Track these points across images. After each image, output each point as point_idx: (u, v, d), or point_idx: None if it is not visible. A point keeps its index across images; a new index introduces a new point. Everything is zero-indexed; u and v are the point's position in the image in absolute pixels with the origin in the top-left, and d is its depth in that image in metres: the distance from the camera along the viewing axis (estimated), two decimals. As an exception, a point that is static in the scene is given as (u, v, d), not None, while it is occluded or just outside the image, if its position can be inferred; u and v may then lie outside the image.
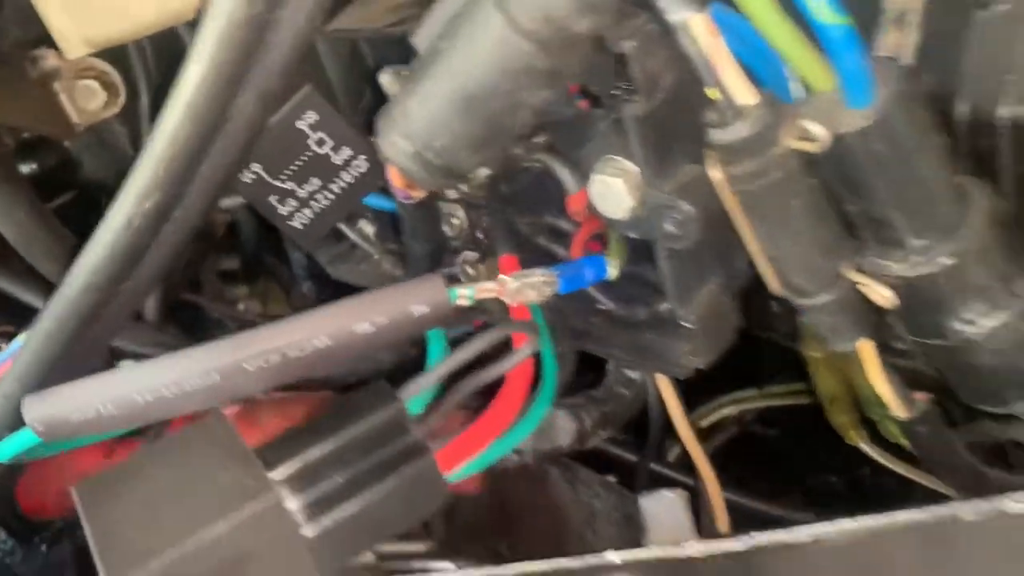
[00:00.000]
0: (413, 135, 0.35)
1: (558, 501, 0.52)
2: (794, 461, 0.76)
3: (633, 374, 0.55)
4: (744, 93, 0.35)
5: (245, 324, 0.73)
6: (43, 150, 0.67)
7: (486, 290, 0.38)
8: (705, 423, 0.70)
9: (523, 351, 0.37)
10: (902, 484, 0.60)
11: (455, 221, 0.51)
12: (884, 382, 0.42)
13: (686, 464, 0.62)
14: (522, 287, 0.39)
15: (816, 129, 0.33)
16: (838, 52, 0.32)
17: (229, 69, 0.34)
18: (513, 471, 0.50)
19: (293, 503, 0.32)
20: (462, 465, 0.35)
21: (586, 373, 0.56)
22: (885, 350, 0.42)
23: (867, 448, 0.52)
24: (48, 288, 0.62)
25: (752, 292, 0.46)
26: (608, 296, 0.47)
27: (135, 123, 0.65)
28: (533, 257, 0.49)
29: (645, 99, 0.36)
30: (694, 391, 0.66)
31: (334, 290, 0.75)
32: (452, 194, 0.51)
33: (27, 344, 0.43)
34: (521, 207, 0.50)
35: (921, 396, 0.45)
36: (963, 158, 0.41)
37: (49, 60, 0.59)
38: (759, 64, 0.36)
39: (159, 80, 0.65)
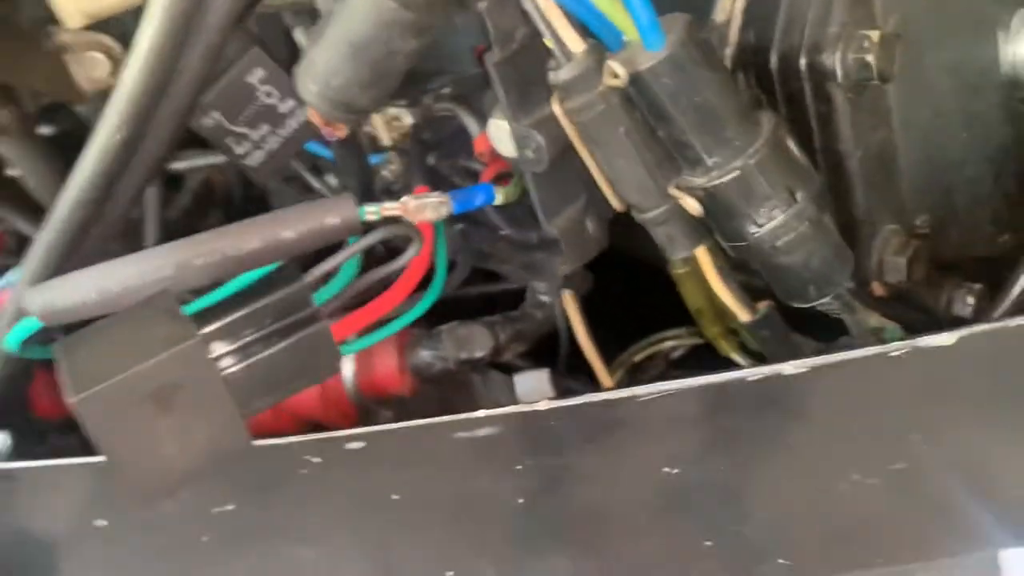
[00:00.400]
0: (317, 78, 0.45)
1: (476, 399, 0.62)
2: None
3: (544, 298, 0.65)
4: (572, 41, 0.44)
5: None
6: (60, 114, 0.79)
7: (390, 208, 0.48)
8: (638, 358, 0.79)
9: (410, 251, 0.47)
10: None
11: (392, 167, 0.62)
12: (722, 286, 0.51)
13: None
14: (421, 206, 0.48)
15: (618, 68, 0.43)
16: (632, 7, 0.41)
17: (175, 28, 0.45)
18: (440, 375, 0.60)
19: (216, 349, 0.42)
20: (353, 336, 0.45)
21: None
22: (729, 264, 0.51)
23: (737, 356, 0.61)
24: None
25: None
26: (507, 222, 0.57)
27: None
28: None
29: (499, 50, 0.46)
30: (636, 332, 0.75)
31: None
32: (387, 142, 0.61)
33: (28, 259, 0.54)
34: (442, 152, 0.60)
35: (763, 304, 0.54)
36: (778, 100, 0.50)
37: (61, 35, 0.70)
38: (593, 20, 0.45)
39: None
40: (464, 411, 0.63)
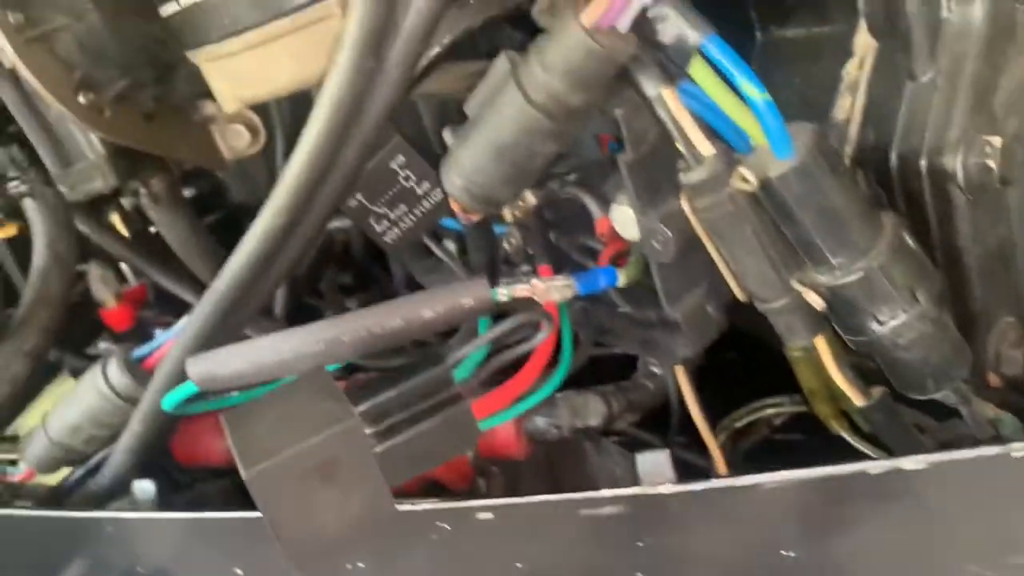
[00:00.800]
0: (463, 174, 0.49)
1: (589, 467, 0.64)
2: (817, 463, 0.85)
3: (656, 369, 0.67)
4: (702, 145, 0.47)
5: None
6: (199, 178, 0.85)
7: (520, 290, 0.51)
8: (740, 424, 0.81)
9: (542, 333, 0.50)
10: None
11: (513, 241, 0.65)
12: (838, 372, 0.53)
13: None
14: (548, 288, 0.52)
15: (748, 175, 0.45)
16: (762, 118, 0.44)
17: (337, 129, 0.49)
18: (554, 442, 0.63)
19: (369, 429, 0.46)
20: (491, 414, 0.48)
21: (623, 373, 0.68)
22: (845, 350, 0.53)
23: (847, 436, 0.62)
24: (201, 288, 0.79)
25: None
26: (627, 301, 0.60)
27: (271, 160, 0.82)
28: (570, 270, 0.62)
29: (632, 150, 0.49)
30: (737, 399, 0.77)
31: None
32: (510, 219, 0.65)
33: (188, 327, 0.59)
34: (562, 230, 0.63)
35: (877, 389, 0.55)
36: (897, 198, 0.52)
37: (208, 108, 0.76)
38: (722, 124, 0.48)
39: (291, 126, 0.82)
40: (575, 477, 0.66)
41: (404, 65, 0.49)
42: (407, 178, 0.60)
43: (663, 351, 0.57)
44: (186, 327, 0.59)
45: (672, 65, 0.47)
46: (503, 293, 0.50)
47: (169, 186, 0.74)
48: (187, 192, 0.84)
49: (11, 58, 0.60)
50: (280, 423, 0.45)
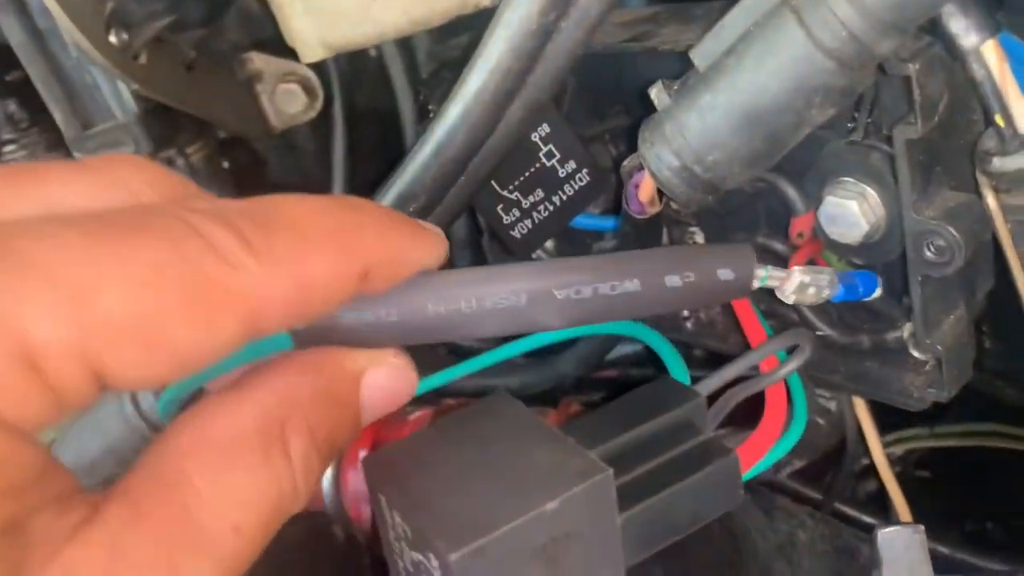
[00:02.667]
0: (684, 149, 0.35)
1: (743, 528, 0.51)
2: (951, 505, 0.74)
3: (830, 404, 0.54)
4: (1029, 120, 0.34)
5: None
6: (237, 149, 0.70)
7: (775, 276, 0.36)
8: (866, 461, 0.69)
9: (797, 359, 0.36)
10: None
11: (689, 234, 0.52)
12: None
13: (870, 502, 0.61)
14: (809, 282, 0.37)
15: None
16: None
17: (512, 79, 0.35)
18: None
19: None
20: (748, 469, 0.35)
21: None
22: None
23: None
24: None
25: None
26: (826, 321, 0.46)
27: (325, 128, 0.67)
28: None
29: (922, 122, 0.35)
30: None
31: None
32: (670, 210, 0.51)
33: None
34: (733, 226, 0.50)
35: None
36: None
37: (256, 63, 0.61)
38: (1040, 94, 0.35)
39: (351, 88, 0.67)
40: (718, 540, 0.53)
41: (606, -5, 0.35)
42: (549, 154, 0.46)
43: (888, 390, 0.44)
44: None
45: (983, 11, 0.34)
46: (774, 276, 0.36)
47: (209, 156, 0.59)
48: (223, 164, 0.68)
49: (24, -23, 0.45)
50: (477, 475, 0.31)
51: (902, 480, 0.73)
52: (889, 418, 0.62)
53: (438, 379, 0.47)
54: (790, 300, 0.37)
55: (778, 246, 0.50)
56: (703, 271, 0.32)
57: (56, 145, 0.54)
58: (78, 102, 0.52)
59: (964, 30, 0.33)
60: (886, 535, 0.39)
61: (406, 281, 0.30)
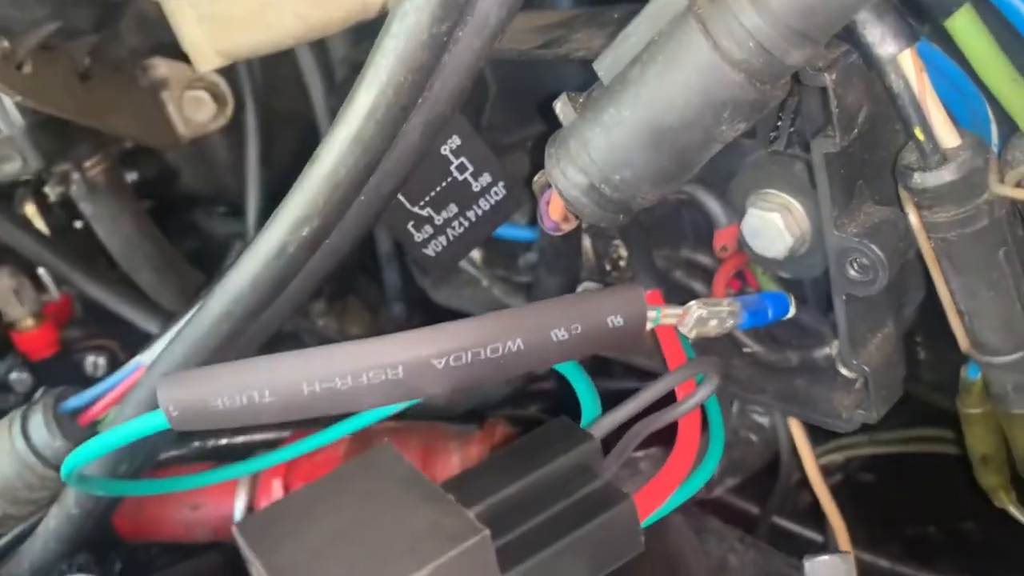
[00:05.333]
0: (591, 167, 0.33)
1: (678, 550, 0.49)
2: (892, 510, 0.73)
3: (762, 419, 0.52)
4: (950, 134, 0.32)
5: (323, 339, 0.71)
6: (145, 160, 0.66)
7: (670, 315, 0.35)
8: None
9: (704, 390, 0.34)
10: (1012, 538, 0.57)
11: (608, 253, 0.49)
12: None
13: (808, 516, 0.60)
14: (708, 316, 0.36)
15: (1040, 176, 0.31)
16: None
17: (405, 94, 0.32)
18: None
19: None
20: (651, 513, 0.33)
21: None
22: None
23: (1015, 510, 0.49)
24: (144, 300, 0.61)
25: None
26: (754, 339, 0.45)
27: (238, 136, 0.64)
28: (670, 292, 0.47)
29: (841, 135, 0.34)
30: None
31: (423, 315, 0.74)
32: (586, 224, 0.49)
33: (155, 366, 0.41)
34: (657, 239, 0.48)
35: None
36: None
37: (160, 69, 0.58)
38: (958, 104, 0.34)
39: (266, 94, 0.64)
40: (656, 564, 0.51)
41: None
42: (461, 167, 0.44)
43: (816, 410, 0.42)
44: (152, 367, 0.41)
45: (900, 20, 0.32)
46: (666, 315, 0.34)
47: (108, 170, 0.55)
48: (128, 177, 0.65)
49: None
50: (346, 541, 0.28)
51: (844, 486, 0.72)
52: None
53: (357, 421, 0.44)
54: (691, 336, 0.35)
55: (704, 259, 0.48)
56: (591, 321, 0.31)
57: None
58: (-42, 117, 0.48)
59: (880, 38, 0.31)
60: (814, 564, 0.37)
61: (278, 358, 0.31)
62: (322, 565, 0.28)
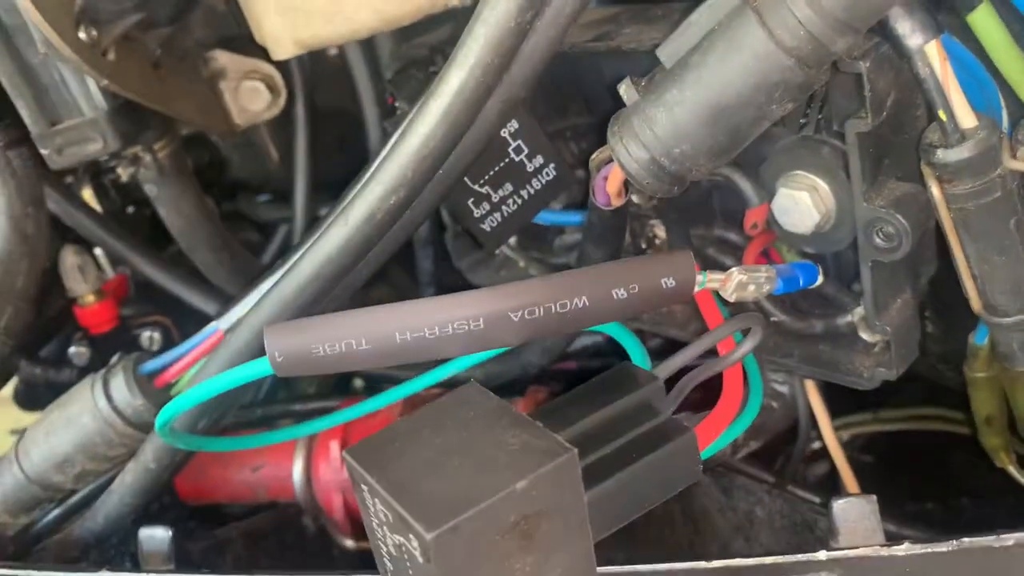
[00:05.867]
0: (653, 142, 0.37)
1: (705, 509, 0.54)
2: (891, 487, 0.77)
3: (782, 388, 0.57)
4: (969, 116, 0.37)
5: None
6: (198, 146, 0.70)
7: (715, 279, 0.40)
8: (816, 445, 0.71)
9: (751, 341, 0.39)
10: (1006, 514, 0.61)
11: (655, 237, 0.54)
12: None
13: (820, 484, 0.64)
14: (747, 280, 0.40)
15: (1053, 152, 0.35)
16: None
17: (491, 76, 0.36)
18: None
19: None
20: (706, 447, 0.37)
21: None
22: None
23: (1015, 471, 0.54)
24: (201, 280, 0.65)
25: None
26: (780, 308, 0.49)
27: (287, 127, 0.68)
28: (704, 266, 0.51)
29: (873, 117, 0.38)
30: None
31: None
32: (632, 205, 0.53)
33: (243, 323, 0.45)
34: (691, 219, 0.52)
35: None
36: None
37: (220, 60, 0.62)
38: (975, 91, 0.38)
39: (313, 85, 0.68)
40: (679, 524, 0.55)
41: (579, -5, 0.37)
42: (518, 150, 0.48)
43: (840, 370, 0.47)
44: (241, 328, 0.45)
45: (927, 14, 0.36)
46: (712, 279, 0.39)
47: (173, 153, 0.59)
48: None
49: (-7, -28, 0.45)
50: (456, 462, 0.32)
51: (848, 464, 0.76)
52: (835, 404, 0.65)
53: (410, 387, 0.48)
54: (731, 298, 0.39)
55: (733, 237, 0.52)
56: (647, 282, 0.36)
57: (21, 141, 0.54)
58: (45, 98, 0.52)
59: (910, 31, 0.35)
60: (841, 505, 0.41)
61: (375, 310, 0.35)
62: (431, 478, 0.31)
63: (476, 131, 0.39)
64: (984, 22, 0.35)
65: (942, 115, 0.36)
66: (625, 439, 0.35)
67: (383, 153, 0.40)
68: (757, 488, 0.52)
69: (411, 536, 0.30)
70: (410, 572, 0.32)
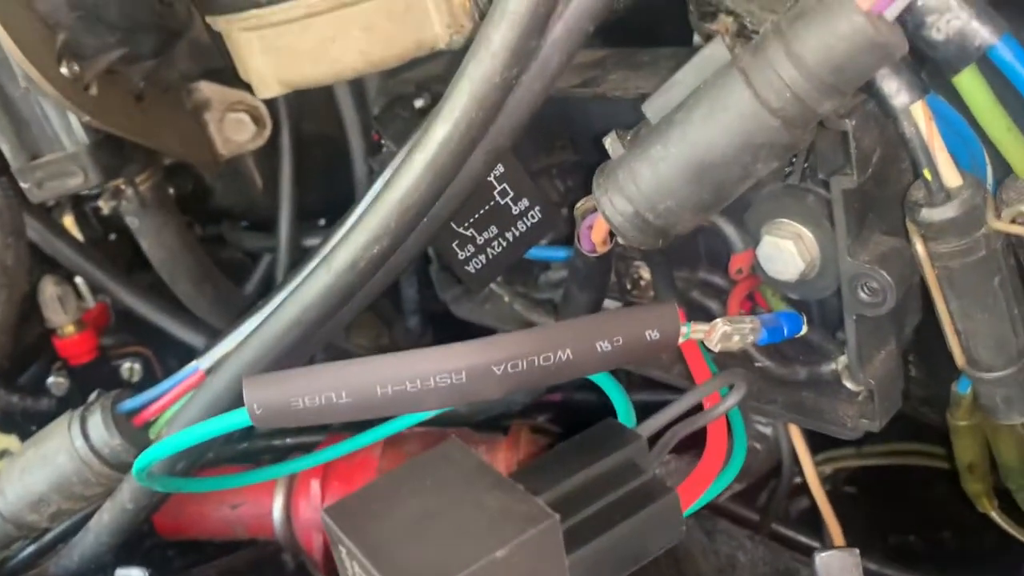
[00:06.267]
0: (637, 197, 0.37)
1: (687, 551, 0.53)
2: (876, 519, 0.77)
3: (766, 429, 0.57)
4: (954, 175, 0.37)
5: (338, 352, 0.75)
6: (182, 175, 0.70)
7: (699, 331, 0.40)
8: (797, 480, 0.71)
9: (734, 396, 0.39)
10: (993, 548, 0.61)
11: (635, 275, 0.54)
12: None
13: (803, 522, 0.64)
14: (732, 331, 0.40)
15: (1031, 214, 0.35)
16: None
17: (475, 129, 0.36)
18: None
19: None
20: (689, 506, 0.37)
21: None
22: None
23: (996, 516, 0.54)
24: (181, 310, 0.64)
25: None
26: (764, 354, 0.49)
27: (272, 156, 0.67)
28: (687, 310, 0.51)
29: (858, 173, 0.38)
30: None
31: (437, 327, 0.78)
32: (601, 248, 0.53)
33: (222, 368, 0.44)
34: (676, 262, 0.52)
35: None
36: None
37: (204, 92, 0.61)
38: (960, 149, 0.38)
39: (298, 117, 0.67)
40: (665, 562, 0.55)
41: (566, 46, 0.37)
42: (503, 193, 0.48)
43: (823, 419, 0.47)
44: (218, 374, 0.45)
45: (915, 75, 0.36)
46: (696, 330, 0.39)
47: (156, 185, 0.59)
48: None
49: (-26, 10, 0.44)
50: (428, 524, 0.32)
51: (830, 497, 0.76)
52: (817, 439, 0.65)
53: (391, 426, 0.48)
54: (716, 349, 0.39)
55: (718, 280, 0.52)
56: (631, 334, 0.36)
57: (1, 173, 0.53)
58: (26, 133, 0.51)
59: (895, 91, 0.36)
60: (824, 559, 0.41)
61: (355, 363, 0.35)
62: (410, 544, 0.31)
63: (461, 180, 0.39)
64: (969, 84, 0.35)
65: (927, 174, 0.36)
66: (607, 500, 0.35)
67: (367, 200, 0.40)
68: (739, 533, 0.52)
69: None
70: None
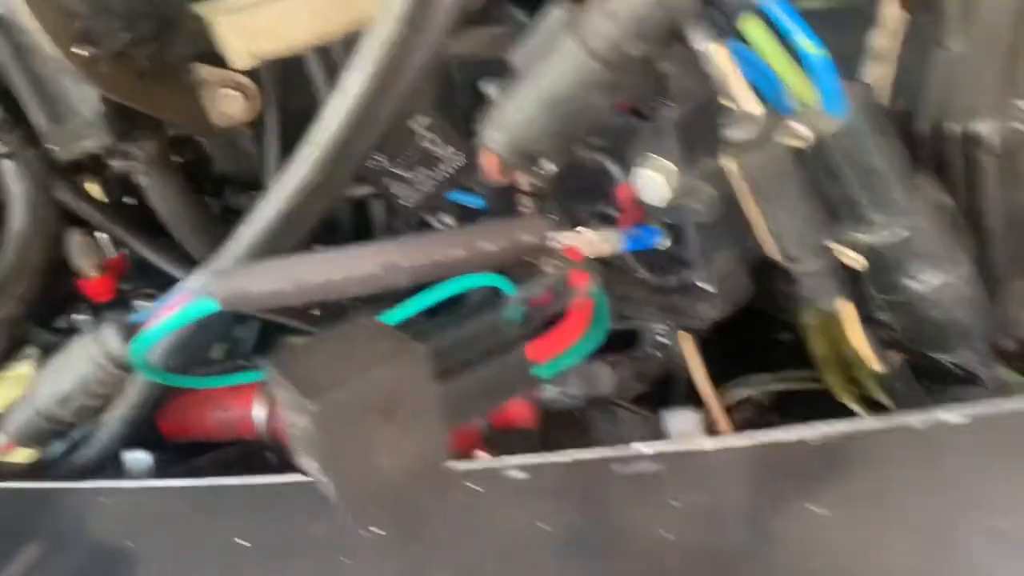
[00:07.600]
0: (507, 129, 0.49)
1: (599, 437, 0.64)
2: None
3: (665, 339, 0.67)
4: (751, 104, 0.47)
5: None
6: (186, 146, 0.82)
7: (570, 236, 0.51)
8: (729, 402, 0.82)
9: (590, 285, 0.50)
10: None
11: (526, 211, 0.65)
12: (861, 338, 0.54)
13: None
14: (599, 240, 0.51)
15: (803, 131, 0.46)
16: (819, 76, 0.45)
17: (380, 79, 0.48)
18: (564, 412, 0.63)
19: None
20: (542, 363, 0.48)
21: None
22: (867, 321, 0.54)
23: (853, 404, 0.64)
24: (187, 261, 0.77)
25: (765, 280, 0.58)
26: (646, 267, 0.60)
27: (262, 129, 0.80)
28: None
29: (679, 107, 0.49)
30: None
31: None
32: (526, 187, 0.64)
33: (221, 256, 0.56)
34: (580, 197, 0.63)
35: (895, 356, 0.57)
36: (926, 162, 0.53)
37: (201, 72, 0.73)
38: (764, 84, 0.49)
39: (283, 96, 0.79)
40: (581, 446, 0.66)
41: (451, 14, 0.48)
42: (432, 141, 0.59)
43: (686, 315, 0.57)
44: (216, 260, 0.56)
45: (723, 21, 0.47)
46: (560, 236, 0.50)
47: (162, 150, 0.71)
48: (174, 160, 0.80)
49: (12, 4, 0.57)
50: (338, 360, 0.43)
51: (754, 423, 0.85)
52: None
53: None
54: (588, 253, 0.50)
55: (613, 212, 0.63)
56: (509, 238, 0.47)
57: (30, 143, 0.66)
58: (52, 103, 0.64)
59: (698, 37, 0.46)
60: (669, 416, 0.52)
61: (299, 258, 0.47)
62: (320, 370, 0.43)
63: (374, 127, 0.51)
64: (752, 29, 0.46)
65: (728, 103, 0.47)
66: (473, 351, 0.46)
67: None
68: (630, 417, 0.63)
69: (303, 413, 0.42)
70: (307, 445, 0.43)
